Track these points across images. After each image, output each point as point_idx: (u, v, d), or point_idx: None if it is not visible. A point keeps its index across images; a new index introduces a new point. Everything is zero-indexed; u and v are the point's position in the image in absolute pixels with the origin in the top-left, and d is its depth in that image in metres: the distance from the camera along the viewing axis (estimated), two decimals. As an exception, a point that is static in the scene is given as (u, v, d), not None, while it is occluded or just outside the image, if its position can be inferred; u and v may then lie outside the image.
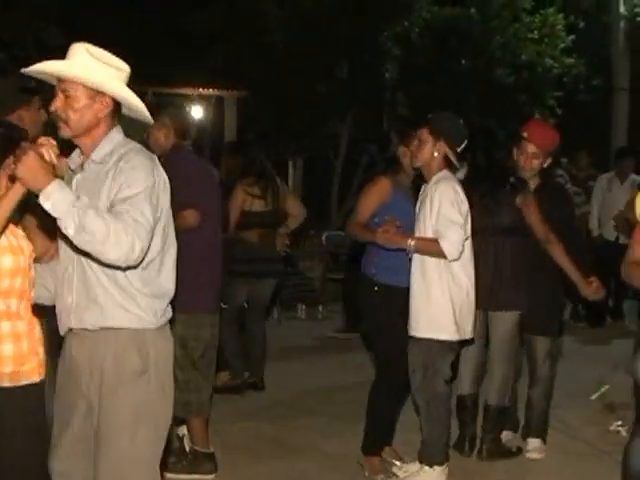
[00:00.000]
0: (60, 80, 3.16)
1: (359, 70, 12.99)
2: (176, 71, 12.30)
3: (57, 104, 3.17)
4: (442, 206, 4.65)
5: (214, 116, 13.45)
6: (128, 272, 3.16)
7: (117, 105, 3.25)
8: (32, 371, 3.37)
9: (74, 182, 3.22)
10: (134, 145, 3.26)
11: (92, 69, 3.14)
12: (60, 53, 3.23)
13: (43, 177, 2.92)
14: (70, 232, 2.93)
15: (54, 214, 2.93)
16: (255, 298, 6.91)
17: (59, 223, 2.95)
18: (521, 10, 14.38)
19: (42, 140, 3.09)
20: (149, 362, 3.26)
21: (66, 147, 3.31)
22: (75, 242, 2.97)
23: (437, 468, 4.91)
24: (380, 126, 13.62)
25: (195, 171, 5.09)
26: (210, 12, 12.96)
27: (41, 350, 3.43)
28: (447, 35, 13.75)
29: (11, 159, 3.03)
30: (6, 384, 3.30)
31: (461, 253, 4.68)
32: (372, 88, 12.91)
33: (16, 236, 3.33)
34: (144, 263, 3.17)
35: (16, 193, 3.05)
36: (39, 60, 3.14)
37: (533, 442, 5.55)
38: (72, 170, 3.29)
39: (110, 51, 3.18)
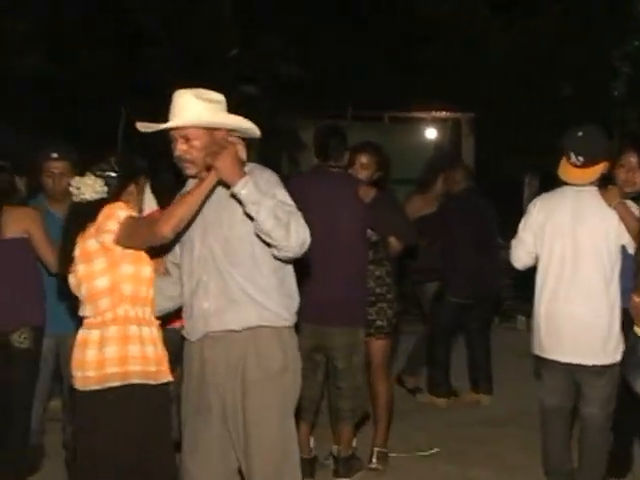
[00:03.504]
0: (178, 127, 3.38)
1: (586, 88, 13.15)
2: (411, 96, 12.90)
3: (182, 148, 3.39)
4: None
5: (451, 138, 13.85)
6: (266, 273, 3.41)
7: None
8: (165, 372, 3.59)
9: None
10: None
11: (206, 112, 3.38)
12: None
13: (239, 170, 3.26)
14: (262, 216, 3.22)
15: (248, 200, 3.23)
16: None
17: (249, 209, 3.24)
18: None
19: (233, 139, 3.39)
20: (289, 359, 3.47)
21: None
22: (262, 225, 3.23)
23: None
24: (611, 142, 13.37)
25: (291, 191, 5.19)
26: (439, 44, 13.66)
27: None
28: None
29: None
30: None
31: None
32: (600, 105, 12.98)
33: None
34: (278, 263, 3.43)
35: (211, 180, 3.33)
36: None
37: None
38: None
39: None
